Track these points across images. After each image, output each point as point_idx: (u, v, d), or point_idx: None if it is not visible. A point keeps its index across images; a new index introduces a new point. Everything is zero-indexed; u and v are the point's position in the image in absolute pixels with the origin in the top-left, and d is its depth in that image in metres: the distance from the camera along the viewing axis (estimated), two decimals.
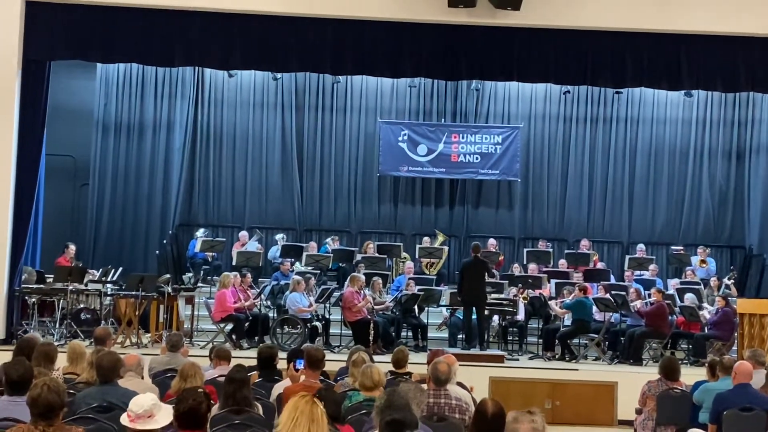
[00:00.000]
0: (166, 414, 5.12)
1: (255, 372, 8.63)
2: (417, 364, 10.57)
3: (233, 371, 7.16)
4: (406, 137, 18.96)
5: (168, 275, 15.77)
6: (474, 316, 14.23)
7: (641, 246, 18.15)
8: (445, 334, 15.52)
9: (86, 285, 15.03)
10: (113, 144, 18.95)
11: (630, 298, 14.85)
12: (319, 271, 16.53)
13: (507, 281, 15.95)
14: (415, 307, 15.25)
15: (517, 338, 15.46)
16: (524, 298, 15.43)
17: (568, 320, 14.92)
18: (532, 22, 14.22)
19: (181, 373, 7.49)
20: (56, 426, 5.19)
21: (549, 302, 15.27)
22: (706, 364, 9.60)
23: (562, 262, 17.35)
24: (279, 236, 18.15)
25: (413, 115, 19.41)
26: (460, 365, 8.32)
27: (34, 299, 14.49)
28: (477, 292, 14.18)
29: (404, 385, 6.39)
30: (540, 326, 15.43)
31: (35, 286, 14.65)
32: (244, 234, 18.09)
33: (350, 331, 14.75)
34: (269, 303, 15.42)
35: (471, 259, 14.53)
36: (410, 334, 15.35)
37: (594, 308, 14.78)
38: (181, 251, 18.33)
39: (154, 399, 5.31)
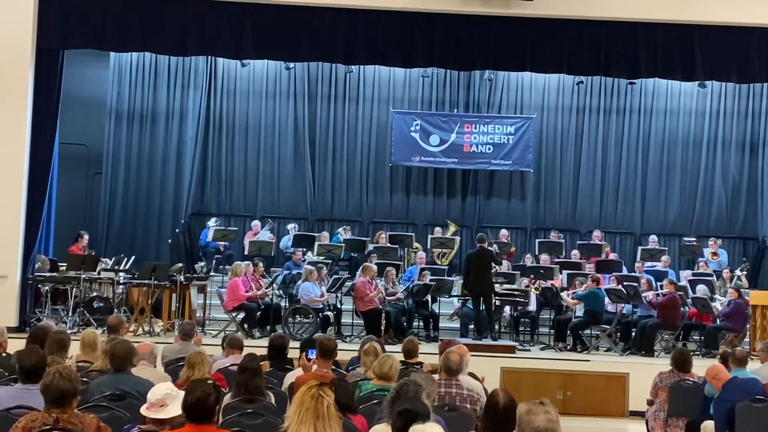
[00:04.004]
0: (178, 405, 5.14)
1: (266, 361, 8.66)
2: (428, 354, 10.59)
3: (246, 360, 7.19)
4: (418, 127, 18.94)
5: (180, 264, 15.81)
6: (482, 307, 14.26)
7: (654, 237, 18.13)
8: (456, 325, 15.52)
9: (99, 273, 15.10)
10: (126, 133, 18.98)
11: (642, 289, 14.83)
12: (330, 261, 16.53)
13: (519, 272, 15.95)
14: (427, 297, 15.26)
15: (528, 329, 15.46)
16: (536, 289, 15.43)
17: (579, 311, 14.92)
18: (545, 12, 14.18)
19: (188, 362, 7.51)
20: (69, 413, 5.22)
21: (561, 293, 15.25)
22: (718, 356, 9.58)
23: (575, 253, 17.32)
24: (291, 226, 18.16)
25: (426, 105, 19.37)
26: (471, 355, 8.33)
27: (47, 287, 14.58)
28: (483, 283, 14.23)
29: (415, 374, 6.40)
30: (552, 317, 15.41)
31: (48, 274, 14.72)
32: (256, 223, 18.11)
33: (362, 321, 14.77)
34: (281, 292, 15.47)
35: (476, 250, 14.55)
36: (422, 324, 15.35)
37: (606, 299, 14.77)
38: (193, 240, 18.35)
39: (169, 388, 5.34)
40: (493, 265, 14.62)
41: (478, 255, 14.39)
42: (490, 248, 14.86)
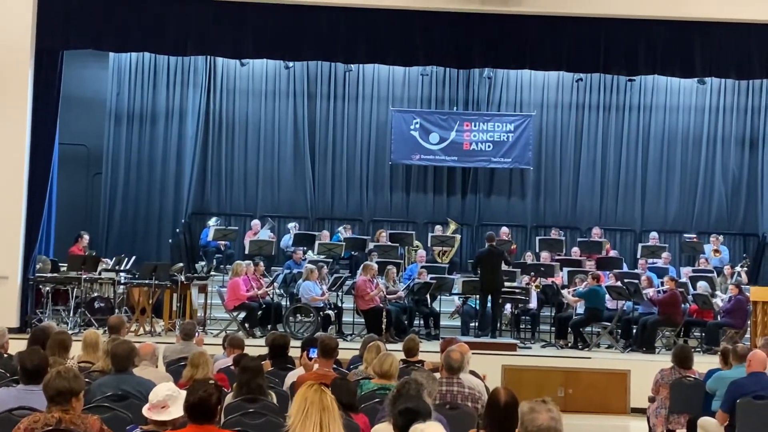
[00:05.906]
0: (180, 406, 5.14)
1: (267, 360, 8.67)
2: (429, 352, 10.60)
3: (247, 360, 7.19)
4: (418, 125, 18.94)
5: (181, 264, 15.84)
6: (488, 305, 14.28)
7: (654, 234, 18.12)
8: (457, 323, 15.53)
9: (100, 274, 15.09)
10: (126, 133, 18.99)
11: (642, 286, 14.83)
12: (331, 260, 16.52)
13: (519, 269, 15.93)
14: (428, 295, 15.26)
15: (529, 326, 15.45)
16: (537, 287, 15.44)
17: (580, 308, 14.92)
18: (544, 9, 14.18)
19: (191, 361, 7.53)
20: (72, 414, 5.22)
21: (561, 290, 15.26)
22: (719, 353, 9.58)
23: (575, 250, 17.34)
24: (291, 225, 18.18)
25: (425, 103, 19.37)
26: (472, 354, 8.35)
27: (48, 288, 14.57)
28: (494, 282, 14.27)
29: (416, 373, 6.41)
30: (552, 314, 15.41)
31: (49, 275, 14.72)
32: (256, 223, 18.12)
33: (363, 320, 14.78)
34: (282, 291, 15.48)
35: (486, 248, 14.58)
36: (422, 322, 15.35)
37: (606, 296, 14.77)
38: (194, 240, 18.36)
39: (170, 389, 5.33)
40: (503, 264, 14.66)
41: (489, 254, 14.44)
42: (500, 247, 14.92)
